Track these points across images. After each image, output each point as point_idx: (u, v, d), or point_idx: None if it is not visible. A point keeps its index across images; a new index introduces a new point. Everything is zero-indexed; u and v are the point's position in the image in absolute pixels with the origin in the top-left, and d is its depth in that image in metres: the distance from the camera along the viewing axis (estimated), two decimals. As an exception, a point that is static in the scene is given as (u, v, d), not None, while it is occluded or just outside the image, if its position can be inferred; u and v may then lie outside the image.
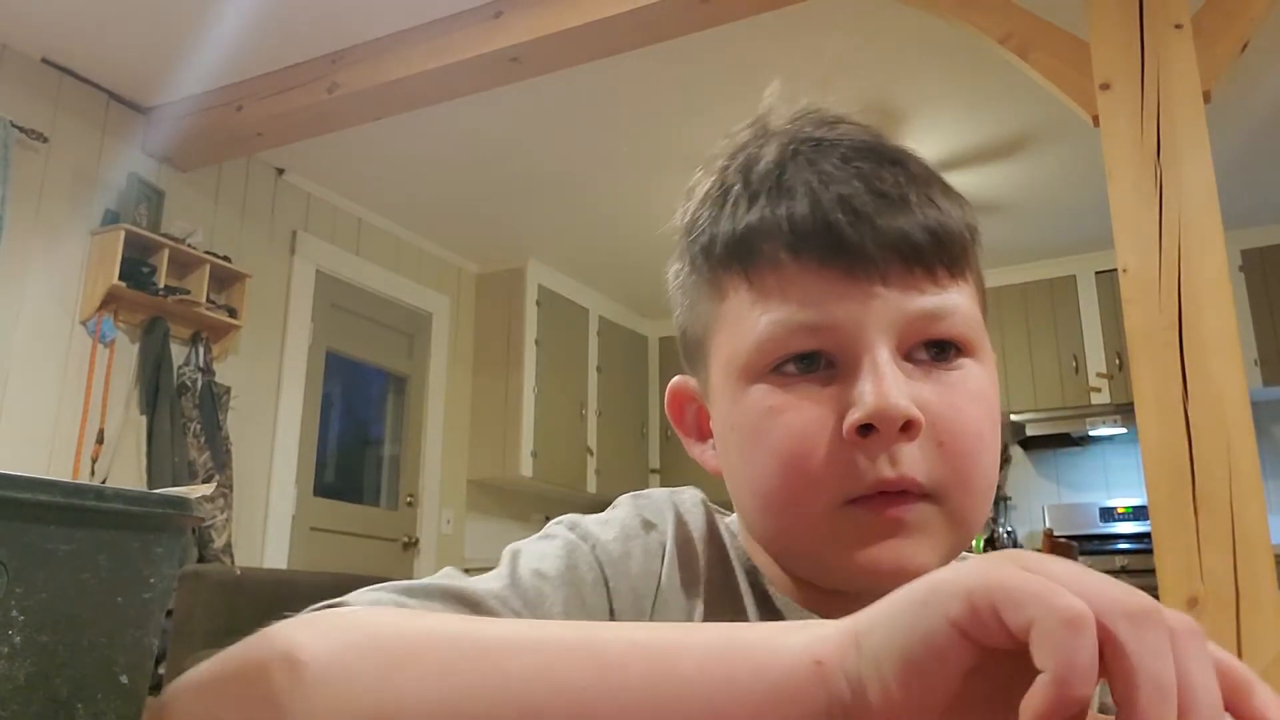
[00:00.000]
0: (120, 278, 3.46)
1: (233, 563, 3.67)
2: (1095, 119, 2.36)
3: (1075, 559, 3.93)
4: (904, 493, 0.46)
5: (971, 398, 0.48)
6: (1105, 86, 2.33)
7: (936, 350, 0.49)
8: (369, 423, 4.86)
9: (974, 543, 3.25)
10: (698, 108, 3.77)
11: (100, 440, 3.47)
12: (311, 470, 4.28)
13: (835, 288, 0.47)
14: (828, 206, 0.48)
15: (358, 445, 4.77)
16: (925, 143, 4.08)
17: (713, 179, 0.55)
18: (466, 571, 0.53)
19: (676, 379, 0.59)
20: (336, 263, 4.49)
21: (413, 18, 3.23)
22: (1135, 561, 4.60)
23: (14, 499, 0.34)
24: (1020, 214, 4.72)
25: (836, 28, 3.26)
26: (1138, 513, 4.90)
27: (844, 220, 0.47)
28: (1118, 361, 4.89)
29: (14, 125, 3.31)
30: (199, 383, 3.75)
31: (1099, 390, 4.99)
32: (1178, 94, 2.25)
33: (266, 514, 4.05)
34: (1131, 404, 2.16)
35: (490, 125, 3.76)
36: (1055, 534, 4.05)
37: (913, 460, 0.46)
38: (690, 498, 0.60)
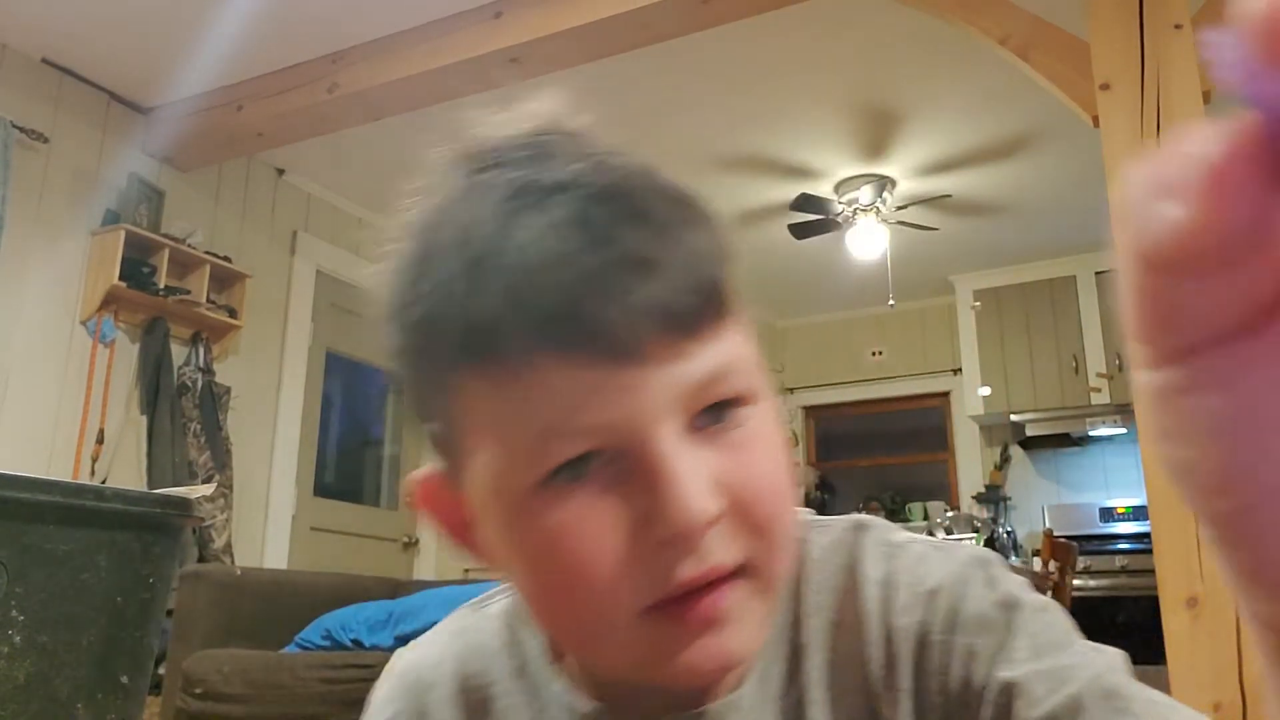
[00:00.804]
0: (120, 278, 3.46)
1: (233, 563, 3.67)
2: (1095, 119, 2.36)
3: (1075, 560, 3.92)
4: (711, 583, 0.41)
5: (765, 454, 0.43)
6: (1105, 87, 2.33)
7: (715, 410, 0.42)
8: (369, 423, 4.86)
9: (975, 543, 3.24)
10: (698, 108, 3.77)
11: (100, 440, 3.47)
12: (311, 470, 4.28)
13: (594, 379, 0.39)
14: (570, 286, 0.38)
15: (358, 445, 4.77)
16: (925, 143, 4.08)
17: (416, 239, 0.44)
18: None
19: (414, 475, 0.49)
20: (336, 263, 4.49)
21: (413, 18, 3.23)
22: (1135, 561, 4.60)
23: (14, 499, 0.34)
24: (1020, 214, 4.72)
25: (836, 28, 3.26)
26: (1138, 513, 4.89)
27: (591, 301, 0.38)
28: (1118, 362, 4.89)
29: (14, 125, 3.31)
30: (199, 383, 3.75)
31: (1099, 390, 4.99)
32: (1178, 94, 2.25)
33: (266, 514, 4.05)
34: (1131, 404, 2.16)
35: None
36: (1055, 534, 4.05)
37: (718, 548, 0.40)
38: (473, 624, 0.55)
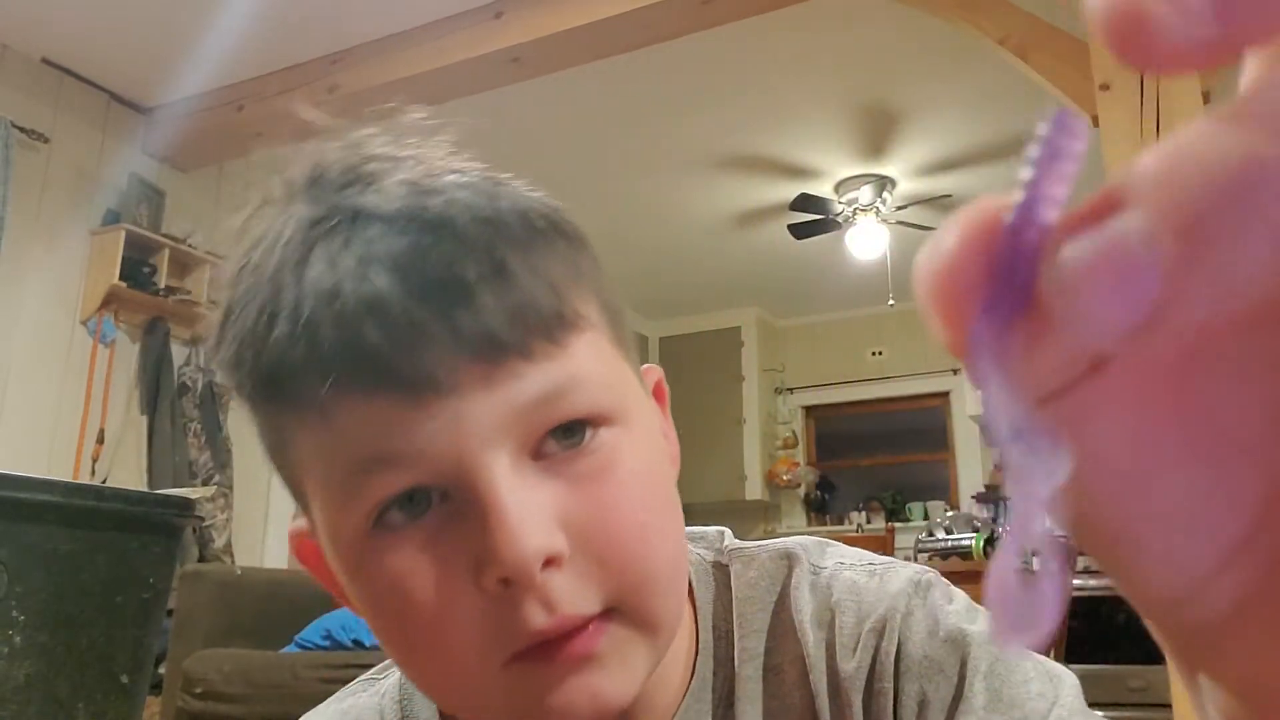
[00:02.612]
0: (121, 278, 3.46)
1: (233, 562, 3.67)
2: (1095, 119, 2.36)
3: (1075, 559, 3.92)
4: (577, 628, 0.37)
5: (624, 484, 0.39)
6: (1104, 87, 2.33)
7: (566, 433, 0.38)
8: (369, 423, 4.86)
9: (974, 542, 3.24)
10: (698, 108, 3.77)
11: (100, 440, 3.47)
12: (312, 470, 4.28)
13: (398, 412, 0.36)
14: (355, 319, 0.35)
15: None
16: (925, 143, 4.08)
17: (230, 280, 0.41)
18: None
19: (295, 526, 0.45)
20: (337, 263, 4.49)
21: (413, 18, 3.23)
22: (1135, 562, 4.59)
23: (14, 499, 0.34)
24: (1020, 214, 4.71)
25: (836, 29, 3.26)
26: (1138, 513, 4.89)
27: (381, 333, 0.35)
28: (1118, 362, 4.89)
29: (14, 125, 3.32)
30: (199, 383, 3.75)
31: (1099, 390, 4.99)
32: (1177, 94, 2.26)
33: (267, 514, 4.05)
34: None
35: (490, 125, 3.75)
36: (1055, 534, 4.04)
37: (571, 594, 0.37)
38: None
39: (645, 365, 0.46)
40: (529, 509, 0.36)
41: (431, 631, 0.37)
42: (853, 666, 0.44)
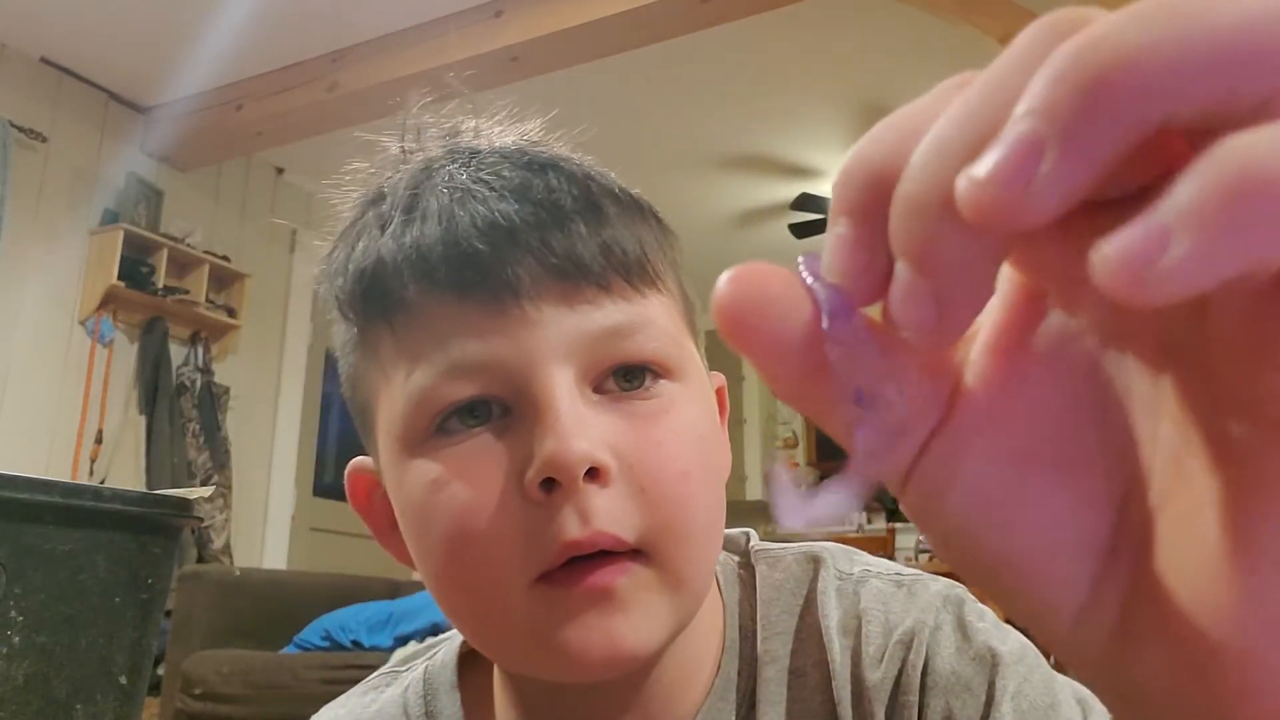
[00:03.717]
0: (119, 277, 3.46)
1: (232, 563, 3.67)
2: (1095, 119, 2.36)
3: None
4: (605, 555, 0.38)
5: (675, 430, 0.40)
6: (1105, 86, 2.33)
7: (628, 378, 0.40)
8: (368, 423, 4.86)
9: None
10: (697, 107, 3.77)
11: (99, 440, 3.47)
12: (311, 470, 4.28)
13: (487, 321, 0.39)
14: (462, 227, 0.39)
15: (357, 445, 4.75)
16: (925, 143, 4.08)
17: (351, 208, 0.47)
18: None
19: (355, 461, 0.50)
20: (336, 263, 4.49)
21: (413, 17, 3.23)
22: (1135, 562, 4.61)
23: (12, 499, 0.34)
24: (1020, 214, 4.72)
25: (836, 27, 3.26)
26: (1137, 513, 4.90)
27: (481, 240, 0.39)
28: (1117, 362, 4.89)
29: (13, 125, 3.31)
30: (198, 383, 3.75)
31: (1099, 390, 4.99)
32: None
33: (266, 514, 4.05)
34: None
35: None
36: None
37: (608, 513, 0.37)
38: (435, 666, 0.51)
39: (716, 375, 0.48)
40: (583, 418, 0.38)
41: (470, 539, 0.38)
42: (878, 677, 0.43)
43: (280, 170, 4.29)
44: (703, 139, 4.03)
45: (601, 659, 0.38)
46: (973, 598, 0.46)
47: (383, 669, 0.54)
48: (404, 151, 0.48)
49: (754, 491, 5.87)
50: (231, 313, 3.90)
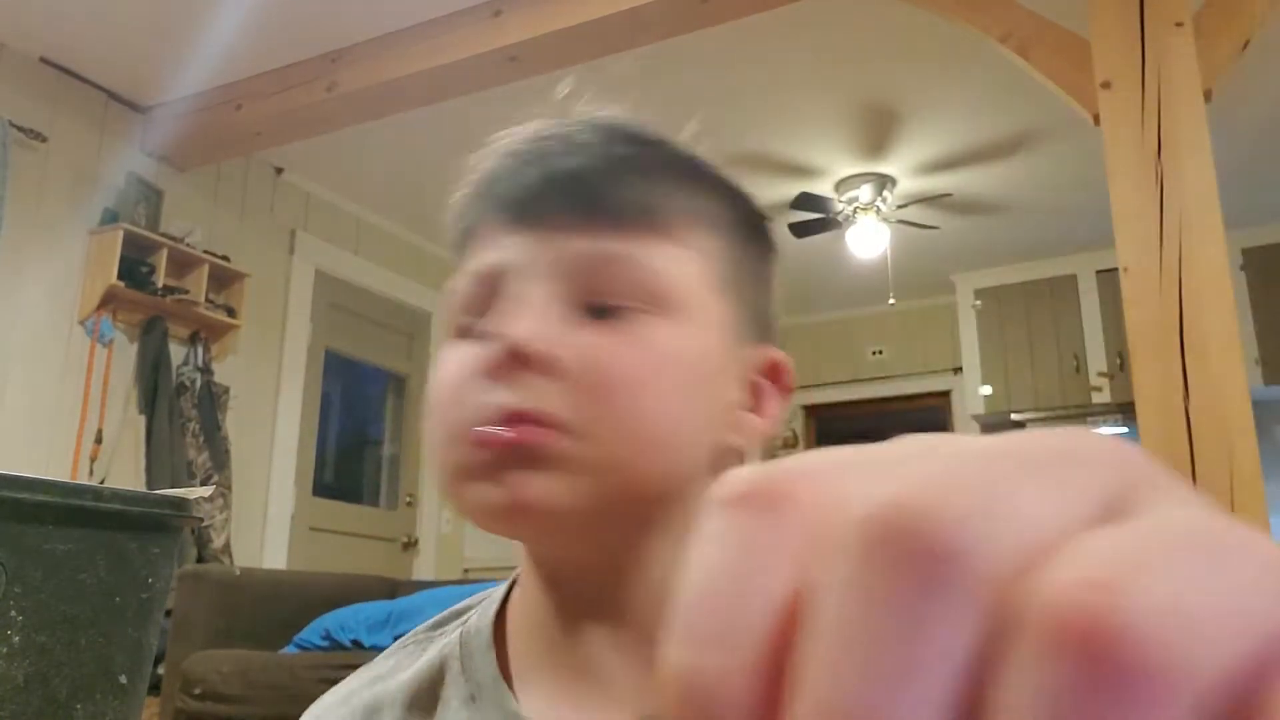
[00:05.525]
0: (119, 277, 3.46)
1: (231, 563, 3.67)
2: (1096, 118, 2.36)
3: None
4: (532, 422, 0.42)
5: (647, 349, 0.44)
6: (1106, 85, 2.33)
7: (615, 306, 0.45)
8: (368, 423, 4.86)
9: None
10: (698, 108, 3.76)
11: (99, 440, 3.47)
12: (311, 470, 4.28)
13: (505, 235, 0.46)
14: (510, 160, 0.48)
15: (357, 445, 4.77)
16: (925, 141, 4.08)
17: None
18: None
19: None
20: (335, 262, 4.49)
21: (412, 17, 3.23)
22: (1135, 561, 4.60)
23: (12, 499, 0.33)
24: (1020, 214, 4.72)
25: (836, 27, 3.26)
26: (1137, 512, 4.89)
27: (514, 166, 0.47)
28: (1119, 361, 4.89)
29: (13, 125, 3.31)
30: (198, 382, 3.75)
31: (1100, 390, 4.99)
32: (1178, 93, 2.25)
33: (266, 514, 4.05)
34: (1132, 403, 2.16)
35: (489, 125, 3.75)
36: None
37: (545, 393, 0.42)
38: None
39: (775, 351, 0.51)
40: (546, 317, 0.44)
41: (439, 404, 0.45)
42: None
43: (279, 170, 4.29)
44: (702, 139, 4.02)
45: (503, 506, 0.42)
46: None
47: (417, 630, 0.56)
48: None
49: (754, 491, 5.86)
50: (231, 312, 3.90)
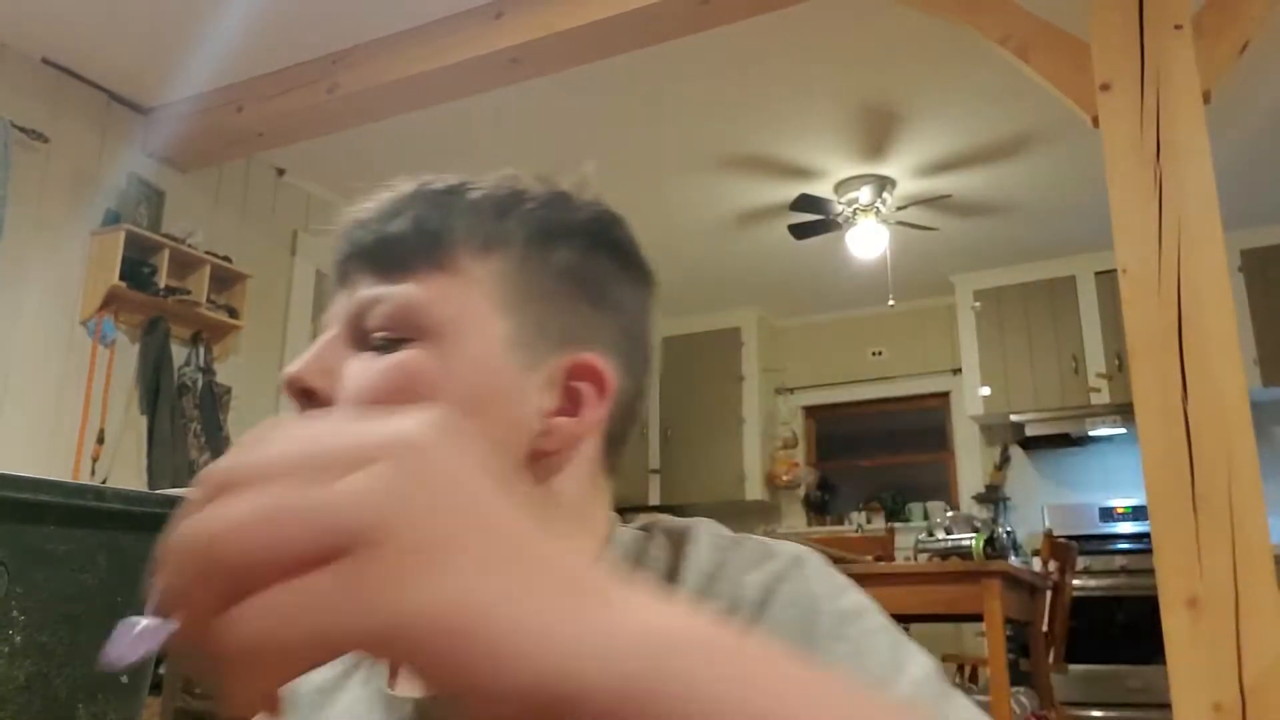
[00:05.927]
0: (121, 278, 3.46)
1: (233, 563, 3.67)
2: (1095, 119, 2.36)
3: (1075, 560, 3.92)
4: None
5: (385, 371, 0.51)
6: (1105, 87, 2.33)
7: (389, 339, 0.52)
8: (369, 423, 4.85)
9: (974, 543, 3.24)
10: (697, 108, 3.77)
11: (101, 440, 3.47)
12: (311, 470, 4.28)
13: (335, 294, 0.56)
14: (336, 238, 0.57)
15: (358, 445, 4.76)
16: (925, 143, 4.08)
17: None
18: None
19: None
20: (336, 263, 4.49)
21: (413, 18, 3.23)
22: (1135, 561, 4.60)
23: (14, 499, 0.34)
24: (1020, 214, 4.72)
25: (836, 29, 3.26)
26: (1137, 513, 4.90)
27: (337, 241, 0.57)
28: (1117, 362, 4.89)
29: (14, 125, 3.32)
30: (199, 383, 3.75)
31: (1099, 390, 4.99)
32: (1178, 94, 2.25)
33: (266, 514, 4.05)
34: (1131, 404, 2.16)
35: (490, 125, 3.76)
36: (1055, 534, 4.05)
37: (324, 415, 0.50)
38: None
39: (587, 354, 0.54)
40: (314, 356, 0.52)
41: None
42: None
43: (281, 171, 4.30)
44: (703, 140, 4.03)
45: None
46: (819, 559, 0.50)
47: None
48: None
49: (753, 491, 5.88)
50: (233, 313, 3.91)
